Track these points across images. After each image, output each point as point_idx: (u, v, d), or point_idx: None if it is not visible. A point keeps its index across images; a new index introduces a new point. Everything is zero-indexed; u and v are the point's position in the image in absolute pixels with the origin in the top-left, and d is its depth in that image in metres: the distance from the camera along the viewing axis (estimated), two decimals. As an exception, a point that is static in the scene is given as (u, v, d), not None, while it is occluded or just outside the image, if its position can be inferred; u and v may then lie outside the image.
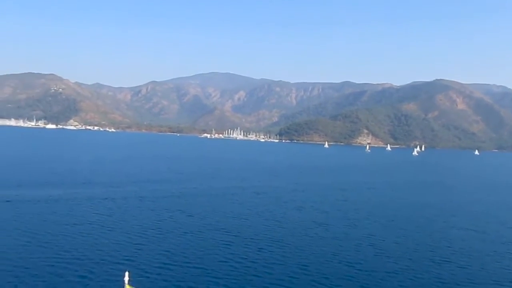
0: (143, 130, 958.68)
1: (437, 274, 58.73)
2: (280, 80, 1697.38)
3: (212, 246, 67.21)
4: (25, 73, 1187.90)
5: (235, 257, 61.70)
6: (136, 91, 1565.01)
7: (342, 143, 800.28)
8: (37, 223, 76.21)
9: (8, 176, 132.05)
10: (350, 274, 56.65)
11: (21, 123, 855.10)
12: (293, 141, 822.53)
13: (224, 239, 71.30)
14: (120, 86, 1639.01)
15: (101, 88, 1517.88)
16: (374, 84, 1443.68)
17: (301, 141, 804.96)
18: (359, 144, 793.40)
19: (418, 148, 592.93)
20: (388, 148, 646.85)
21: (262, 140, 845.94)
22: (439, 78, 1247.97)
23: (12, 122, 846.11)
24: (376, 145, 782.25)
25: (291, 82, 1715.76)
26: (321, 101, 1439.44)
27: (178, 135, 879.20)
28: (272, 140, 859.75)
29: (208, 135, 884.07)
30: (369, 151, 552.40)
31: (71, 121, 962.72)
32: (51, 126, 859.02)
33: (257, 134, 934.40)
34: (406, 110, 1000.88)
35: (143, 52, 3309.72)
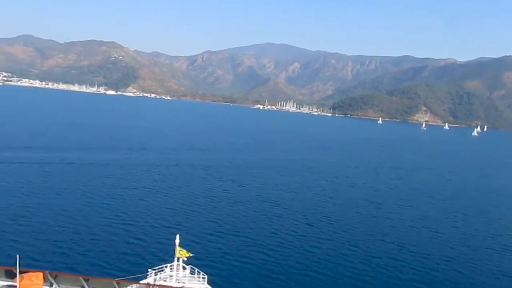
0: (197, 99, 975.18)
1: (497, 264, 55.56)
2: (336, 53, 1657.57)
3: (262, 217, 67.28)
4: (88, 40, 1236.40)
5: (284, 230, 61.41)
6: (192, 60, 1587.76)
7: (397, 120, 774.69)
8: (96, 185, 79.67)
9: (71, 140, 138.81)
10: (403, 257, 54.74)
11: (84, 88, 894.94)
12: (346, 115, 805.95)
13: (274, 212, 71.16)
14: (177, 55, 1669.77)
15: (159, 57, 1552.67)
16: (436, 59, 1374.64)
17: (355, 116, 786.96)
18: (416, 122, 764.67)
19: (478, 129, 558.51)
20: (446, 126, 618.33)
21: (315, 113, 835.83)
22: (508, 54, 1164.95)
23: (76, 88, 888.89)
24: (433, 123, 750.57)
25: (348, 54, 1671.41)
26: (378, 75, 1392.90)
27: (231, 105, 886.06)
28: (325, 113, 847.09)
29: (261, 107, 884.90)
30: (425, 129, 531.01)
31: (130, 88, 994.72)
32: (111, 92, 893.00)
33: (310, 107, 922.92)
34: (469, 87, 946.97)
35: (200, 21, 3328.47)
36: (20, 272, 24.70)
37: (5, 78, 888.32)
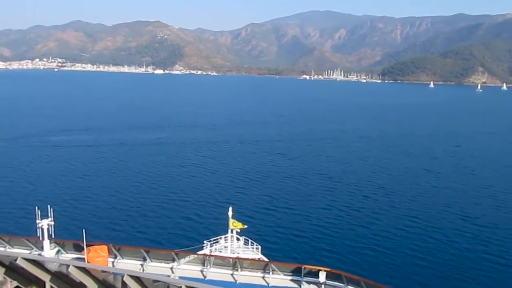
0: (243, 73, 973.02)
1: None
2: (384, 16, 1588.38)
3: (314, 191, 65.56)
4: (134, 22, 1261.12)
5: (338, 204, 59.40)
6: (235, 34, 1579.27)
7: (452, 83, 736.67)
8: (147, 164, 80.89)
9: (123, 120, 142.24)
10: (468, 229, 51.33)
11: (133, 69, 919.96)
12: (397, 81, 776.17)
13: (326, 185, 69.15)
14: (221, 30, 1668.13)
15: (203, 33, 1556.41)
16: (492, 16, 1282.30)
17: (406, 81, 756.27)
18: (472, 84, 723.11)
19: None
20: (504, 87, 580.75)
21: (364, 81, 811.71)
22: None
23: (125, 69, 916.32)
24: (492, 84, 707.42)
25: (396, 17, 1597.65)
26: (429, 36, 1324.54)
27: (277, 77, 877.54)
28: (374, 80, 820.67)
29: (307, 77, 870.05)
30: (480, 90, 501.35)
31: (177, 66, 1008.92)
32: (158, 71, 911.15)
33: (358, 74, 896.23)
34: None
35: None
36: (87, 245, 26.43)
37: (59, 64, 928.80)
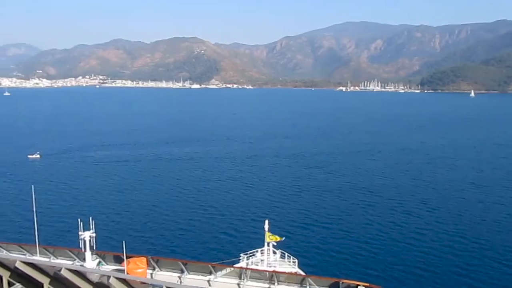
0: (279, 86, 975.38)
1: None
2: (421, 25, 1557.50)
3: (354, 206, 63.56)
4: (172, 38, 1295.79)
5: (379, 220, 57.20)
6: (271, 47, 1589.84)
7: (495, 91, 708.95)
8: (185, 178, 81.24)
9: (159, 134, 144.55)
10: (521, 247, 47.97)
11: (170, 84, 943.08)
12: (436, 90, 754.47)
13: (366, 200, 66.95)
14: (256, 43, 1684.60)
15: (239, 47, 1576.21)
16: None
17: (446, 91, 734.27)
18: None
19: None
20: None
21: (402, 91, 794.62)
22: None
23: (163, 84, 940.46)
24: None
25: (434, 26, 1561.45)
26: (469, 44, 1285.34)
27: (312, 89, 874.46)
28: (412, 90, 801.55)
29: (344, 88, 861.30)
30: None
31: (213, 80, 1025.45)
32: (195, 86, 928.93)
33: (396, 84, 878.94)
34: None
35: (276, 7, 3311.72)
36: (127, 257, 27.01)
37: (101, 81, 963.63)
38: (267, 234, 30.27)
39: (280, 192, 71.74)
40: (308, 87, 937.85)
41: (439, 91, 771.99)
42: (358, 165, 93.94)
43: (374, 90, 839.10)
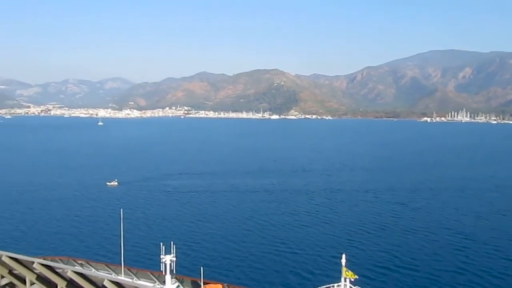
0: (359, 117, 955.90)
1: None
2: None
3: (442, 249, 57.15)
4: (253, 70, 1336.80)
5: (473, 268, 50.44)
6: (351, 78, 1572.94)
7: None
8: (260, 210, 79.47)
9: (236, 165, 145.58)
10: None
11: (250, 115, 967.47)
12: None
13: (457, 243, 60.04)
14: (336, 74, 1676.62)
15: (318, 78, 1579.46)
16: None
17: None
18: None
19: None
20: None
21: (494, 122, 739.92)
22: None
23: (244, 115, 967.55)
24: None
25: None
26: None
27: (394, 120, 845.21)
28: (507, 121, 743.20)
29: (428, 119, 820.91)
30: None
31: (292, 111, 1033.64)
32: (275, 116, 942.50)
33: (487, 115, 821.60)
34: None
35: (357, 38, 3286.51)
36: (204, 283, 28.68)
37: (185, 112, 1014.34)
38: (344, 269, 28.36)
39: (359, 228, 67.41)
40: (390, 117, 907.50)
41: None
42: (447, 203, 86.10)
43: (462, 121, 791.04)
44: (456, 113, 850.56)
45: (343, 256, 27.93)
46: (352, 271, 28.27)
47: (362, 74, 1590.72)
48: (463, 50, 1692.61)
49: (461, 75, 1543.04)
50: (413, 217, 74.74)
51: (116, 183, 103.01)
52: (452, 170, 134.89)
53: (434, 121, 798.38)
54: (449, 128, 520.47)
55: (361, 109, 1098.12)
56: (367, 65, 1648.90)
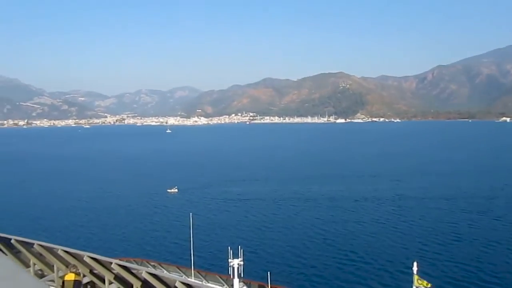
0: (430, 118, 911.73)
1: None
2: None
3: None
4: (318, 74, 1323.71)
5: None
6: (421, 78, 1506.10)
7: None
8: (325, 217, 77.78)
9: (299, 170, 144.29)
10: None
11: (315, 119, 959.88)
12: None
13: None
14: (405, 75, 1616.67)
15: (386, 80, 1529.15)
16: None
17: None
18: None
19: None
20: None
21: None
22: None
23: (309, 119, 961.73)
24: None
25: None
26: None
27: (469, 121, 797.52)
28: None
29: (508, 119, 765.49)
30: None
31: (358, 114, 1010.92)
32: (340, 120, 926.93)
33: None
34: None
35: (428, 36, 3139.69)
36: (270, 287, 29.68)
37: (251, 118, 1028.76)
38: (415, 277, 27.26)
39: (431, 237, 63.62)
40: (464, 118, 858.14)
41: None
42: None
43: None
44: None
45: (415, 264, 26.74)
46: (424, 279, 26.99)
47: (433, 74, 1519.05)
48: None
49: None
50: (494, 227, 69.34)
51: (176, 190, 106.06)
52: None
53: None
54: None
55: (432, 111, 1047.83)
56: (438, 64, 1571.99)
